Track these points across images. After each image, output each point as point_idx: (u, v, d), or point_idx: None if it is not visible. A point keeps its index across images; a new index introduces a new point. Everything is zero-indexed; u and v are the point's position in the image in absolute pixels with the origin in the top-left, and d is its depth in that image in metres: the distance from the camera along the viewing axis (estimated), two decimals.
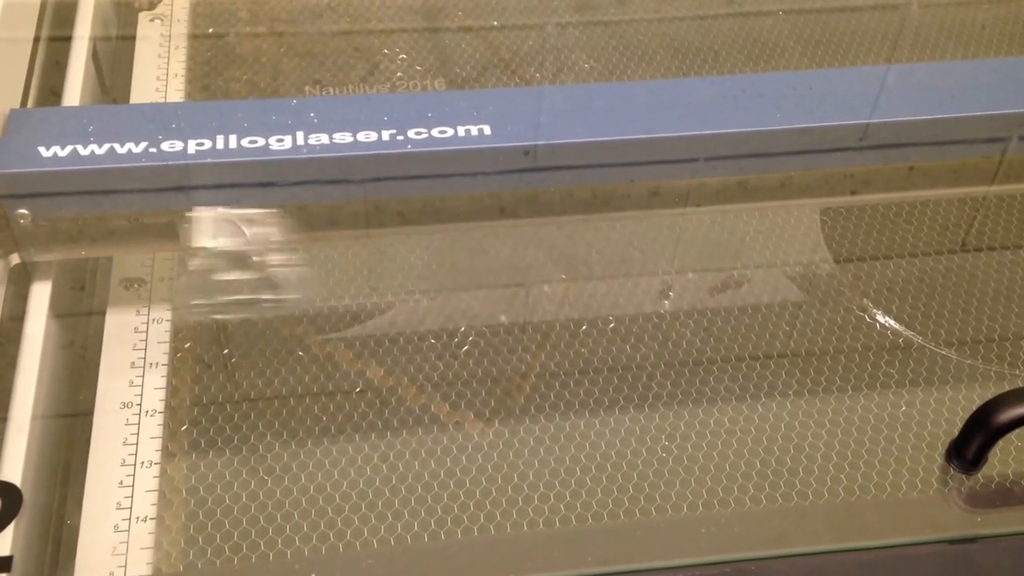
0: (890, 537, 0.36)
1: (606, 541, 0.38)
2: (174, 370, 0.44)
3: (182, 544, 0.38)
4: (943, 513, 0.40)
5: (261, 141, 0.43)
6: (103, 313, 0.45)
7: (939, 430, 0.43)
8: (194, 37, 0.60)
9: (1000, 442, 0.39)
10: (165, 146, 0.42)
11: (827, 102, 0.46)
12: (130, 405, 0.42)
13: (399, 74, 0.59)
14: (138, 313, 0.45)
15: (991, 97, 0.47)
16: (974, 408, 0.43)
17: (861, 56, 0.63)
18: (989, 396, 0.44)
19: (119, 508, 0.38)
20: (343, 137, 0.43)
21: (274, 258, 0.42)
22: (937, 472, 0.42)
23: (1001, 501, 0.39)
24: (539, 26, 0.63)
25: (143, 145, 0.42)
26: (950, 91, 0.47)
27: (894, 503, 0.40)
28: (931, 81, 0.48)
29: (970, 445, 0.39)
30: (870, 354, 0.47)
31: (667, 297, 0.49)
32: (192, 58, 0.58)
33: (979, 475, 0.40)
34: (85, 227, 0.43)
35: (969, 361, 0.46)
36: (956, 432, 0.41)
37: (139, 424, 0.41)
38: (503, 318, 0.48)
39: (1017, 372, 0.46)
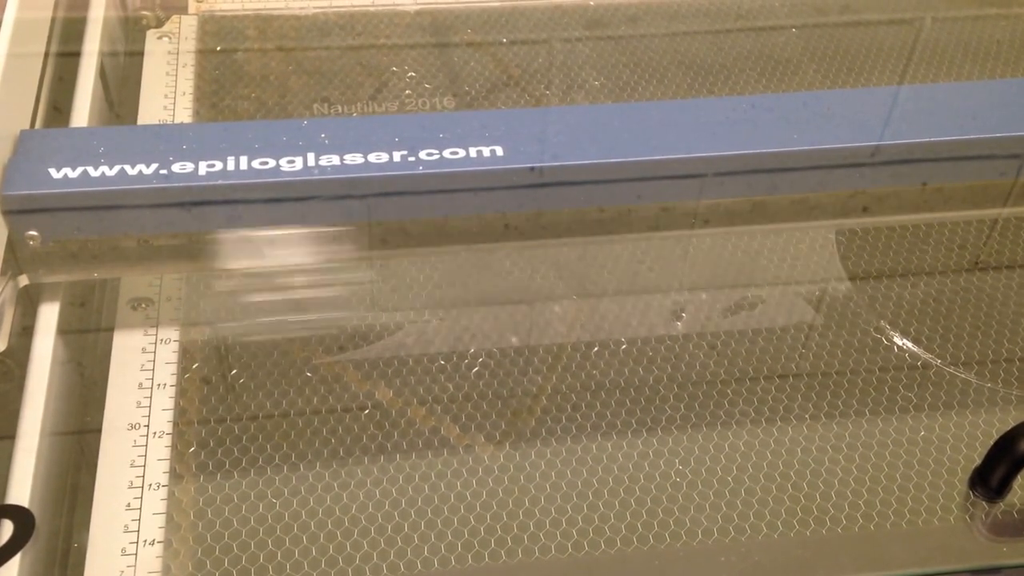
0: (913, 567, 0.36)
1: (624, 571, 0.38)
2: (182, 391, 0.43)
3: (190, 568, 0.38)
4: (967, 542, 0.39)
5: (272, 162, 0.42)
6: (111, 333, 0.45)
7: (959, 455, 0.43)
8: (202, 54, 0.60)
9: None
10: (176, 168, 0.42)
11: (843, 123, 0.45)
12: (138, 426, 0.41)
13: (408, 92, 0.59)
14: (146, 333, 0.45)
15: (1010, 118, 0.46)
16: (995, 432, 0.42)
17: (877, 72, 0.62)
18: (1010, 419, 0.43)
19: (126, 531, 0.38)
20: (354, 158, 0.43)
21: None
22: (959, 499, 0.41)
23: None
24: (548, 42, 0.63)
25: (154, 167, 0.42)
26: (969, 112, 0.46)
27: (916, 532, 0.39)
28: (947, 102, 0.48)
29: (994, 473, 0.38)
30: (888, 377, 0.46)
31: (679, 318, 0.49)
32: (200, 76, 0.58)
33: (1003, 503, 0.40)
34: (94, 248, 0.42)
35: (989, 384, 0.46)
36: (977, 457, 0.40)
37: (147, 446, 0.41)
38: (513, 339, 0.47)
39: None
